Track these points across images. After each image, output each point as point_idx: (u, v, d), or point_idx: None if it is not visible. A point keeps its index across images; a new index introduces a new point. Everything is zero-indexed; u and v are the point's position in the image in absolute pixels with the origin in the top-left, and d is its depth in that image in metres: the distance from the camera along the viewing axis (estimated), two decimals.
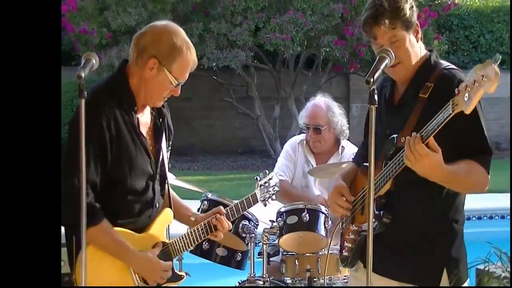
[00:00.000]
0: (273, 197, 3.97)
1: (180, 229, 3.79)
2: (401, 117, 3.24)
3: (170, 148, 3.69)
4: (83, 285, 2.94)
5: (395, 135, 3.23)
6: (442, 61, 3.36)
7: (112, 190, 3.37)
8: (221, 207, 3.72)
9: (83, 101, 2.86)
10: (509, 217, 8.45)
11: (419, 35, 3.32)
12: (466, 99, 2.84)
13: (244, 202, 3.81)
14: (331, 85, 15.17)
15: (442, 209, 3.33)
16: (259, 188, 3.89)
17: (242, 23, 13.05)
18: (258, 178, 3.93)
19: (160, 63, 3.34)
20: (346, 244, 3.56)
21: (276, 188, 3.98)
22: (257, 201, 3.87)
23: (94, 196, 3.30)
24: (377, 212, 3.28)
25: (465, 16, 16.99)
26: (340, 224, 3.66)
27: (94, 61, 3.01)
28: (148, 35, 3.40)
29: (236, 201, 3.85)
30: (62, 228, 3.35)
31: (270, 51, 13.78)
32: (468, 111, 2.85)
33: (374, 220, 3.25)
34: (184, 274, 3.65)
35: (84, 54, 3.07)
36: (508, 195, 7.49)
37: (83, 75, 2.88)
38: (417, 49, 3.31)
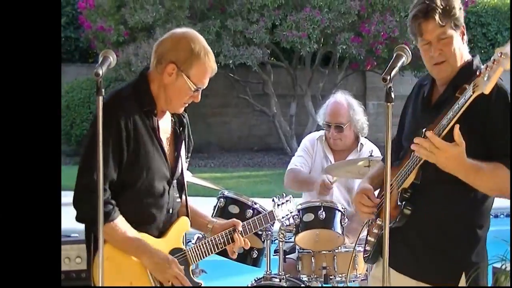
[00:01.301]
0: (291, 220, 4.19)
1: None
2: (435, 116, 3.20)
3: (188, 159, 3.72)
4: (100, 284, 2.95)
5: (424, 129, 3.19)
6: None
7: (130, 192, 3.39)
8: (239, 222, 3.76)
9: (100, 98, 2.87)
10: None
11: (465, 37, 3.31)
12: (485, 79, 2.85)
13: (262, 218, 3.91)
14: (347, 83, 15.15)
15: (468, 213, 3.30)
16: (276, 207, 4.05)
17: (258, 21, 13.04)
18: (275, 199, 4.09)
19: (178, 68, 3.38)
20: (369, 238, 3.57)
21: (292, 211, 4.17)
22: (274, 219, 4.02)
23: (111, 194, 3.32)
24: (399, 203, 3.28)
25: (482, 13, 16.89)
26: (367, 225, 3.66)
27: (111, 58, 3.03)
28: (167, 42, 3.45)
29: (252, 218, 3.95)
30: (82, 225, 3.39)
31: (286, 48, 13.77)
32: (486, 91, 2.85)
33: (397, 213, 3.27)
34: (202, 282, 3.65)
35: (102, 51, 3.09)
36: None
37: (100, 72, 2.90)
38: (462, 50, 3.30)
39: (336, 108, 5.37)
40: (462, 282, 3.27)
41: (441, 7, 3.19)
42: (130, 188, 3.39)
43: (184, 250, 3.58)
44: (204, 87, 3.50)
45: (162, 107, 3.49)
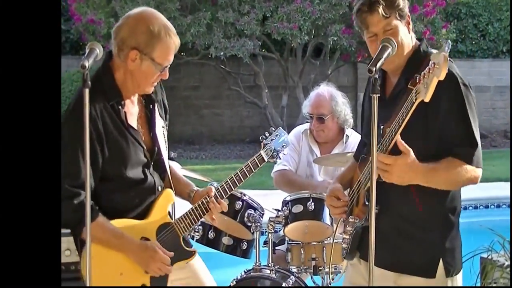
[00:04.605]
0: (284, 152, 3.91)
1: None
2: (391, 110, 3.17)
3: (167, 127, 3.67)
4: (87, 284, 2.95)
5: (381, 126, 3.18)
6: (433, 50, 3.29)
7: (111, 185, 3.39)
8: (212, 187, 3.68)
9: (87, 90, 2.86)
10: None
11: (410, 26, 3.31)
12: (424, 86, 2.85)
13: (250, 164, 3.77)
14: (339, 74, 15.17)
15: (438, 200, 3.30)
16: (264, 148, 3.86)
17: (249, 12, 13.03)
18: (263, 137, 3.89)
19: (141, 53, 3.33)
20: (345, 236, 3.58)
21: (285, 144, 3.91)
22: (264, 161, 3.82)
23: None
24: (367, 203, 3.29)
25: (473, 4, 16.91)
26: (341, 223, 3.69)
27: (98, 50, 3.01)
28: (124, 27, 3.37)
29: (241, 166, 3.79)
30: None
31: (277, 40, 13.76)
32: (427, 99, 2.85)
33: (365, 212, 3.30)
34: (196, 250, 3.64)
35: (88, 44, 3.06)
36: None
37: (87, 64, 2.88)
38: (409, 40, 3.30)
39: (318, 99, 5.41)
40: (441, 268, 3.29)
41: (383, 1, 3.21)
42: (109, 181, 3.38)
43: (172, 223, 3.57)
44: (170, 63, 3.41)
45: (130, 93, 3.45)
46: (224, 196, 3.67)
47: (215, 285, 3.90)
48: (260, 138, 3.89)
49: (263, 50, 14.66)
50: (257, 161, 3.78)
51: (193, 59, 13.83)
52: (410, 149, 3.03)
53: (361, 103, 3.63)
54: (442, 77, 2.77)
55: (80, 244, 3.37)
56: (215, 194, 3.63)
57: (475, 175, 3.18)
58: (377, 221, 3.26)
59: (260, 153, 3.82)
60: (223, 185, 3.68)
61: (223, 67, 14.64)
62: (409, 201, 3.29)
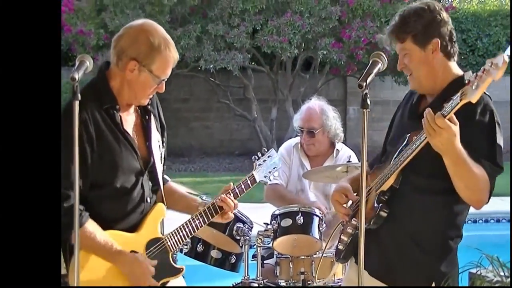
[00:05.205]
0: (275, 174, 3.90)
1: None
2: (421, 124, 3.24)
3: (165, 144, 3.66)
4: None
5: (407, 135, 3.29)
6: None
7: (101, 190, 3.37)
8: (231, 183, 3.67)
9: (77, 103, 2.87)
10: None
11: (438, 53, 3.34)
12: (474, 87, 2.88)
13: (242, 185, 3.74)
14: (328, 88, 15.19)
15: (443, 225, 3.34)
16: (257, 169, 3.83)
17: (239, 25, 13.04)
18: (256, 157, 3.88)
19: (140, 64, 3.34)
20: (342, 237, 3.59)
21: (276, 166, 3.91)
22: (256, 182, 3.81)
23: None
24: (376, 205, 3.31)
25: (462, 19, 16.99)
26: (341, 225, 3.68)
27: (88, 63, 3.03)
28: (125, 37, 3.39)
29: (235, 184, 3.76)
30: None
31: (267, 53, 13.77)
32: (474, 100, 2.89)
33: (372, 214, 3.30)
34: (183, 267, 3.61)
35: (78, 56, 3.08)
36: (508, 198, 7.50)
37: (77, 77, 2.90)
38: (436, 65, 3.34)
39: (308, 113, 5.43)
40: None
41: (398, 25, 3.36)
42: (99, 188, 3.36)
43: (162, 239, 3.53)
44: (167, 77, 3.43)
45: (126, 102, 3.45)
46: (215, 214, 3.63)
47: None
48: (253, 158, 3.89)
49: (253, 63, 14.68)
50: (249, 181, 3.77)
51: (182, 71, 13.84)
52: (458, 122, 3.02)
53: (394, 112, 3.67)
54: (497, 79, 2.81)
55: (68, 254, 3.34)
56: (205, 211, 3.60)
57: (487, 192, 3.21)
58: (380, 229, 3.29)
59: (252, 174, 3.81)
60: (214, 203, 3.64)
61: (212, 79, 14.64)
62: (415, 218, 3.32)
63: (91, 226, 3.32)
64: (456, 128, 3.01)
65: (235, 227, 4.72)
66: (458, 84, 3.26)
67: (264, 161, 3.86)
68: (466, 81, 2.93)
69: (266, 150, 3.96)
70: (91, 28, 13.18)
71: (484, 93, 3.25)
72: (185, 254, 4.87)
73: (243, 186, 3.73)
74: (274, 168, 3.88)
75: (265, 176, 3.85)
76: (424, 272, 3.33)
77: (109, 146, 3.36)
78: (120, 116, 3.42)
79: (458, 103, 2.95)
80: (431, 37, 3.32)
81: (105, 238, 3.35)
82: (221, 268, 4.92)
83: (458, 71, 3.41)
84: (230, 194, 3.66)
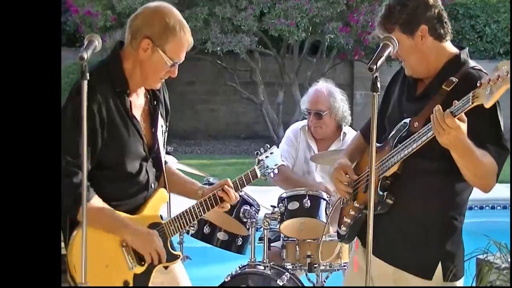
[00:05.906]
0: (275, 171, 3.90)
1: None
2: (420, 105, 3.27)
3: (167, 128, 3.67)
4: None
5: (408, 119, 3.29)
6: (472, 61, 3.37)
7: (106, 173, 3.38)
8: (228, 180, 3.68)
9: (85, 82, 2.86)
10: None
11: (427, 38, 3.32)
12: (487, 92, 2.84)
13: (243, 178, 3.75)
14: (335, 72, 15.14)
15: (446, 204, 3.34)
16: (258, 164, 3.83)
17: (247, 8, 13.01)
18: (259, 153, 3.88)
19: (153, 43, 3.34)
20: (345, 219, 3.60)
21: (278, 163, 3.91)
22: (257, 177, 3.81)
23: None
24: (380, 193, 3.31)
25: (471, 5, 16.89)
26: (340, 202, 3.70)
27: (96, 42, 3.01)
28: (141, 16, 3.40)
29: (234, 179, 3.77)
30: None
31: (274, 36, 13.74)
32: (488, 105, 2.86)
33: (376, 200, 3.29)
34: (180, 254, 3.63)
35: (87, 35, 3.06)
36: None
37: (85, 56, 2.88)
38: (426, 51, 3.32)
39: (316, 95, 5.41)
40: (439, 270, 3.31)
41: (384, 16, 3.38)
42: (105, 169, 3.37)
43: (162, 224, 3.54)
44: (181, 61, 3.45)
45: (137, 85, 3.45)
46: (215, 205, 3.63)
47: None
48: (256, 153, 3.90)
49: (260, 47, 14.64)
50: (250, 176, 3.78)
51: (189, 54, 13.77)
52: (466, 119, 3.00)
53: (386, 87, 3.64)
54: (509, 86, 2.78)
55: (69, 232, 3.34)
56: (205, 201, 3.61)
57: (495, 177, 3.19)
58: (386, 213, 3.28)
59: (254, 169, 3.81)
60: (215, 193, 3.63)
61: (219, 62, 14.61)
62: (418, 199, 3.32)
63: (99, 200, 3.34)
64: (464, 126, 3.00)
65: (242, 210, 4.71)
66: (453, 63, 3.32)
67: (266, 157, 3.87)
68: (478, 84, 2.89)
69: (269, 146, 3.95)
70: (99, 9, 13.17)
71: (482, 71, 3.28)
72: (191, 235, 4.88)
73: (244, 180, 3.75)
74: (275, 165, 3.89)
75: (265, 174, 3.85)
76: (429, 251, 3.33)
77: (118, 130, 3.37)
78: (130, 101, 3.42)
79: (470, 105, 2.92)
80: (418, 24, 3.30)
81: (113, 211, 3.38)
82: (227, 250, 4.93)
83: (452, 50, 3.38)
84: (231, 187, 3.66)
